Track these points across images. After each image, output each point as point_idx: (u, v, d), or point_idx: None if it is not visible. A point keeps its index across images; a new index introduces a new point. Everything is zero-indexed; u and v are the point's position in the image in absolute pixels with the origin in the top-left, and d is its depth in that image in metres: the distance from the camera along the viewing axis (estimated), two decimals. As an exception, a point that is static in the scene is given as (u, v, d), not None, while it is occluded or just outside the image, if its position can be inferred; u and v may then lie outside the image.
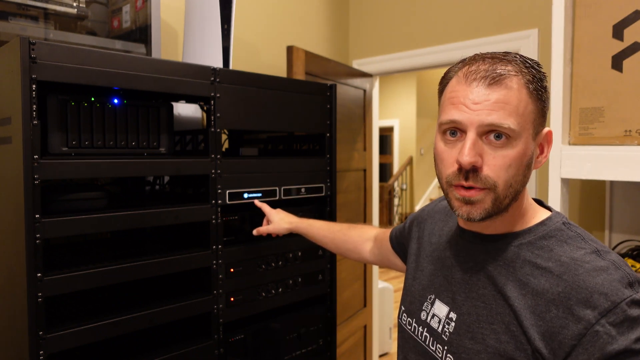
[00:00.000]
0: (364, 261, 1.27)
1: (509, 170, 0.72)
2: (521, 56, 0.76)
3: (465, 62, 0.78)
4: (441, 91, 0.80)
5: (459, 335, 0.78)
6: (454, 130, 0.75)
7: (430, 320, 0.84)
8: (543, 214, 0.80)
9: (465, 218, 0.75)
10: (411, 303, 0.91)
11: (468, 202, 0.74)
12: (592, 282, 0.67)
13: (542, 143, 0.78)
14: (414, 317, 0.89)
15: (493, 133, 0.72)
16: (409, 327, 0.90)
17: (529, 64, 0.74)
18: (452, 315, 0.80)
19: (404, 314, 0.93)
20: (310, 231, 1.36)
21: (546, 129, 0.77)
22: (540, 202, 0.84)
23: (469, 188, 0.74)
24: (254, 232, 1.44)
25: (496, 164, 0.72)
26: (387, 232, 1.18)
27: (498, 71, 0.72)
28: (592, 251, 0.72)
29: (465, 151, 0.71)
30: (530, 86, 0.73)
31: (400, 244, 1.10)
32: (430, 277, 0.89)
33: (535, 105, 0.74)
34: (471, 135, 0.72)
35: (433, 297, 0.86)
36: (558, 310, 0.68)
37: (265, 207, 1.45)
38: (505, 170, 0.72)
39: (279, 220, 1.41)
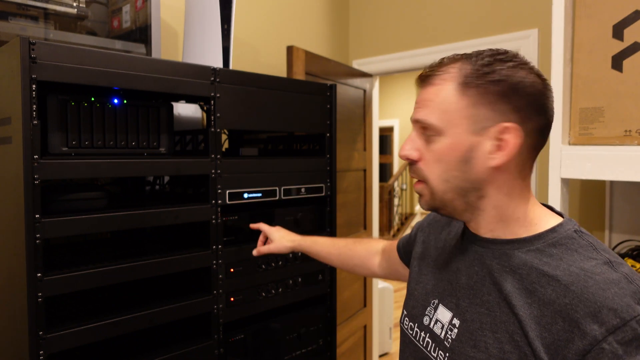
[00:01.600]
0: (373, 276, 1.24)
1: (439, 165, 0.76)
2: (485, 50, 0.75)
3: None
4: None
5: (461, 343, 0.76)
6: None
7: (434, 325, 0.82)
8: (553, 220, 0.76)
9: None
10: (414, 307, 0.89)
11: (418, 193, 0.82)
12: (602, 295, 0.64)
13: (502, 138, 0.72)
14: (416, 321, 0.87)
15: (425, 130, 0.77)
16: (411, 332, 0.88)
17: (482, 56, 0.73)
18: (455, 321, 0.78)
19: (406, 318, 0.91)
20: (314, 248, 1.32)
21: (503, 124, 0.72)
22: (551, 208, 0.81)
23: (417, 182, 0.81)
24: (254, 252, 1.39)
25: (428, 159, 0.77)
26: (393, 243, 1.16)
27: (433, 72, 0.77)
28: (604, 262, 0.68)
29: (403, 145, 0.80)
30: (465, 81, 0.72)
31: (407, 252, 1.08)
32: (434, 281, 0.87)
33: (472, 100, 0.72)
34: (413, 132, 0.80)
35: (437, 302, 0.84)
36: (564, 323, 0.65)
37: (263, 226, 1.41)
38: (436, 164, 0.76)
39: (279, 239, 1.37)
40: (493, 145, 0.73)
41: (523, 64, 0.73)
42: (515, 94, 0.72)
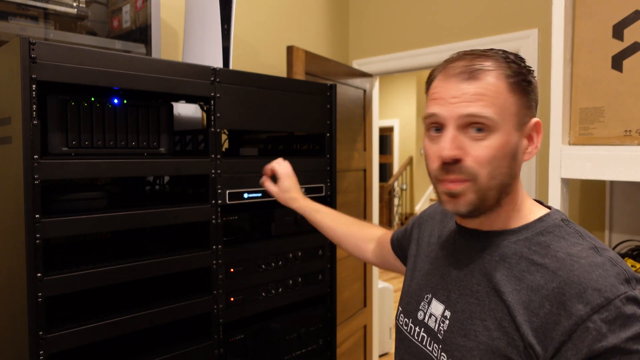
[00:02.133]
0: (365, 260, 1.26)
1: (492, 162, 0.73)
2: (504, 52, 0.77)
3: (447, 60, 0.80)
4: (427, 91, 0.82)
5: (452, 333, 0.77)
6: (438, 127, 0.76)
7: (428, 320, 0.84)
8: (541, 211, 0.80)
9: (453, 212, 0.76)
10: (408, 303, 0.91)
11: (453, 195, 0.75)
12: (587, 277, 0.66)
13: (531, 134, 0.78)
14: (411, 317, 0.88)
15: (473, 126, 0.73)
16: (406, 328, 0.89)
17: (511, 58, 0.76)
18: (447, 313, 0.80)
19: (401, 315, 0.92)
20: (314, 216, 1.31)
21: (534, 120, 0.77)
22: (539, 202, 0.84)
23: (458, 182, 0.75)
24: (262, 177, 1.41)
25: (478, 155, 0.72)
26: (389, 233, 1.17)
27: (476, 67, 0.74)
28: (589, 247, 0.71)
29: (446, 145, 0.73)
30: (510, 80, 0.74)
31: (401, 246, 1.09)
32: (427, 276, 0.89)
33: (518, 97, 0.74)
34: (451, 129, 0.74)
35: (430, 296, 0.85)
36: (552, 306, 0.67)
37: (277, 167, 1.38)
38: (488, 161, 0.73)
39: (284, 190, 1.35)
40: (523, 140, 0.77)
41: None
42: (534, 92, 0.78)
